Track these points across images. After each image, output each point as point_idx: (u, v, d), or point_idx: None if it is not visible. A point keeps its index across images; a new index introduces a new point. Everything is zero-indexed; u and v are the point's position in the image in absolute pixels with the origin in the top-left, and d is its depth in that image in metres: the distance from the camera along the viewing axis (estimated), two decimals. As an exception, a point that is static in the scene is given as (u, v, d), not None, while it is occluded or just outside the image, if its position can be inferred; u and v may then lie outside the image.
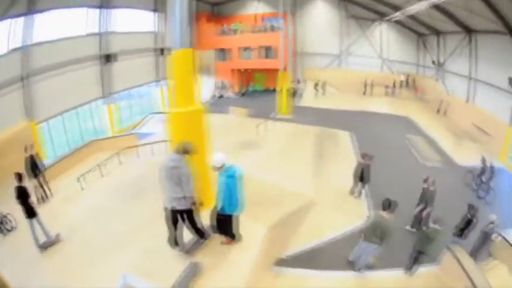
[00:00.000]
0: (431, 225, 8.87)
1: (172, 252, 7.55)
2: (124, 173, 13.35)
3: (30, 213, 8.93)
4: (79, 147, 16.02)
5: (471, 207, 10.17)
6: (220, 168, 6.98)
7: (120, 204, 10.61)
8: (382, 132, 23.34)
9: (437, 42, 31.23)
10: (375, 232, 8.38)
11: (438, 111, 29.50)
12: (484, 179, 14.97)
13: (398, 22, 34.61)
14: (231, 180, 6.96)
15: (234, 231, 7.92)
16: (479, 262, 9.81)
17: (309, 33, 37.70)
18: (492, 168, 14.76)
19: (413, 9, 24.29)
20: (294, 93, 31.07)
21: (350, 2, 35.60)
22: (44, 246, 9.02)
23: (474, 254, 10.06)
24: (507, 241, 10.23)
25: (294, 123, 23.52)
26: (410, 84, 35.98)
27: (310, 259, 9.64)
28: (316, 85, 31.47)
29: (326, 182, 14.46)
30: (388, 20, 34.46)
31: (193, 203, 7.03)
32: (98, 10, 21.88)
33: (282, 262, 9.30)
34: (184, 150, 6.76)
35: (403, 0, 26.16)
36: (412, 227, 11.74)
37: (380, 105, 31.06)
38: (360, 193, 13.66)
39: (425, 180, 11.52)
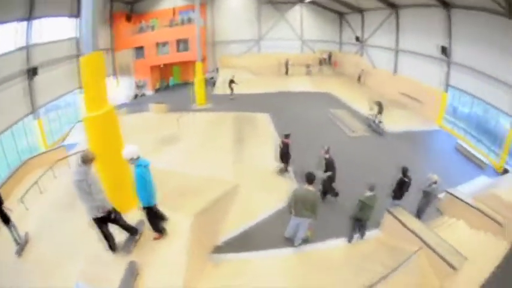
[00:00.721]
0: (367, 192, 8.76)
1: (113, 255, 7.41)
2: (59, 187, 12.72)
3: (5, 219, 8.75)
4: (16, 168, 15.24)
5: (405, 169, 10.07)
6: (133, 161, 6.98)
7: (61, 217, 10.11)
8: (305, 110, 23.48)
9: (362, 20, 32.07)
10: (304, 206, 8.37)
11: (359, 78, 31.16)
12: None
13: (316, 3, 35.14)
14: (144, 170, 7.01)
15: (161, 224, 8.00)
16: (428, 221, 10.33)
17: (226, 22, 37.14)
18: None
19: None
20: (214, 84, 31.43)
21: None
22: (19, 252, 8.58)
23: (421, 213, 10.49)
24: (456, 197, 11.05)
25: (211, 112, 23.12)
26: (332, 61, 37.17)
27: (246, 242, 9.56)
28: (230, 82, 28.81)
29: (249, 165, 14.25)
30: (307, 2, 34.89)
31: (108, 211, 6.97)
32: (25, 23, 20.34)
33: (219, 249, 9.18)
34: (85, 160, 6.58)
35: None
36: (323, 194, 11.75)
37: (301, 84, 31.34)
38: (286, 171, 13.51)
39: (326, 151, 11.44)
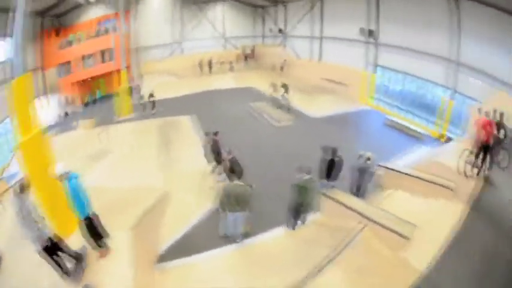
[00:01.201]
0: (305, 176, 8.51)
1: (69, 280, 7.09)
2: (8, 218, 11.90)
3: None
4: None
5: (334, 150, 9.90)
6: (65, 175, 6.88)
7: (17, 250, 9.38)
8: (229, 106, 23.34)
9: (285, 12, 32.55)
10: (237, 201, 8.26)
11: (281, 69, 31.60)
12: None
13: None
14: (75, 181, 6.92)
15: (102, 240, 7.76)
16: (367, 197, 10.37)
17: (149, 26, 36.15)
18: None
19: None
20: (140, 91, 30.00)
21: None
22: None
23: (360, 191, 10.39)
24: (394, 170, 11.30)
25: (137, 121, 22.62)
26: (255, 55, 37.61)
27: (187, 246, 9.34)
28: (150, 97, 27.95)
29: (178, 169, 14.17)
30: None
31: (49, 238, 6.72)
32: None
33: (163, 258, 8.90)
34: (21, 189, 6.42)
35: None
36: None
37: (224, 81, 31.27)
38: (217, 169, 13.27)
39: (229, 152, 11.20)
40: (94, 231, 7.48)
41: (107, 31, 32.33)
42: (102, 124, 21.90)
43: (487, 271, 8.10)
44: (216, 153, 12.68)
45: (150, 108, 24.49)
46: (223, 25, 37.39)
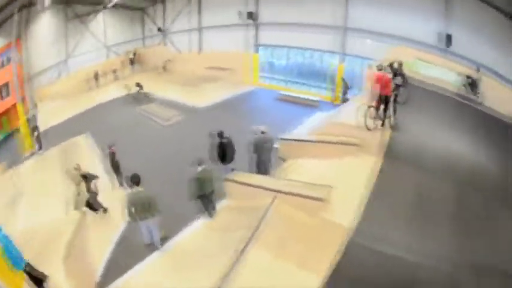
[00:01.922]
0: (198, 168, 8.61)
1: None
2: None
3: None
4: None
5: (219, 133, 10.10)
6: None
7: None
8: (119, 116, 22.62)
9: (163, 10, 32.34)
10: (143, 207, 8.13)
11: (164, 68, 31.46)
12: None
13: (117, 5, 33.61)
14: (2, 233, 6.95)
15: (42, 283, 7.50)
16: (272, 171, 10.43)
17: (38, 51, 32.93)
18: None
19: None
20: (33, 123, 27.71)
21: (67, 4, 32.94)
22: None
23: (264, 167, 10.27)
24: (293, 140, 11.67)
25: (39, 154, 20.93)
26: (139, 58, 36.77)
27: (119, 263, 8.82)
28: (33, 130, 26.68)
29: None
30: (110, 7, 33.52)
31: None
32: None
33: (103, 284, 8.36)
34: None
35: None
36: None
37: (110, 92, 30.03)
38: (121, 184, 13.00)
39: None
40: (34, 278, 7.31)
41: (3, 64, 29.15)
42: (12, 166, 20.23)
43: (415, 210, 8.85)
44: (114, 163, 12.54)
45: (37, 146, 22.43)
46: (105, 34, 35.82)
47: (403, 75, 13.05)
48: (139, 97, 23.22)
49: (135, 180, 8.06)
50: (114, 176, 12.93)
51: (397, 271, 7.29)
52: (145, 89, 26.39)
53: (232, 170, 10.00)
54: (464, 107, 14.69)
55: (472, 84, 15.42)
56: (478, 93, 15.19)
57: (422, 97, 14.15)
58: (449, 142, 12.03)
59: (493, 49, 16.01)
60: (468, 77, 15.42)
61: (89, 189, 10.84)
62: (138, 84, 23.61)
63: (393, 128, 11.58)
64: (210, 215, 9.16)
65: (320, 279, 6.67)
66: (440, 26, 16.84)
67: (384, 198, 8.81)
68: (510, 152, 12.53)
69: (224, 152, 9.93)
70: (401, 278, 7.17)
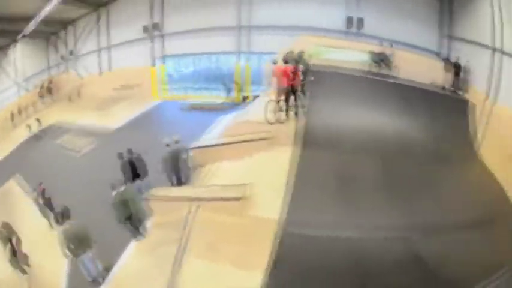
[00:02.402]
0: (115, 191, 8.60)
1: None
2: None
3: None
4: None
5: (128, 150, 10.37)
6: None
7: None
8: (37, 154, 21.37)
9: (74, 33, 30.42)
10: (80, 241, 8.04)
11: (77, 94, 29.60)
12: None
13: (27, 35, 31.13)
14: None
15: None
16: (190, 180, 10.63)
17: None
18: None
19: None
20: None
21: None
22: None
23: (181, 178, 10.48)
24: (206, 146, 11.99)
25: None
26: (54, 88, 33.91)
27: None
28: None
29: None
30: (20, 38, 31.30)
31: None
32: None
33: None
34: None
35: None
36: None
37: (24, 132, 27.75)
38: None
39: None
40: None
41: None
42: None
43: (341, 190, 9.50)
44: (47, 203, 12.25)
45: None
46: (15, 69, 32.69)
47: (305, 64, 13.48)
48: (42, 134, 22.46)
49: (65, 215, 8.07)
50: (51, 214, 12.22)
51: (335, 250, 7.66)
52: (58, 120, 25.32)
53: (148, 186, 10.14)
54: (378, 82, 15.35)
55: (384, 60, 16.36)
56: (391, 67, 16.21)
57: (332, 81, 14.61)
58: (367, 119, 12.75)
59: (405, 23, 17.41)
60: (379, 53, 16.38)
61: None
62: (38, 120, 23.12)
63: (299, 116, 12.10)
64: (141, 235, 9.11)
65: (261, 275, 6.86)
66: (350, 10, 17.96)
67: (307, 184, 9.16)
68: (432, 115, 13.52)
69: (135, 169, 10.06)
70: (341, 256, 7.57)
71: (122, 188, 8.63)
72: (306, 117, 12.18)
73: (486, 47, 13.51)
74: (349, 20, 18.02)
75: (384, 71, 16.30)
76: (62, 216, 8.08)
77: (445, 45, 17.74)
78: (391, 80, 15.60)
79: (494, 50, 13.05)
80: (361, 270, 7.38)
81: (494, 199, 10.00)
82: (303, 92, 12.61)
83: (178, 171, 10.40)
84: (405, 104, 13.91)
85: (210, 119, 15.93)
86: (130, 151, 10.16)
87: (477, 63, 14.43)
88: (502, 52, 12.62)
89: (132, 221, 8.84)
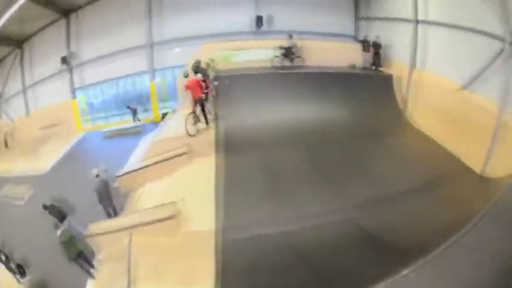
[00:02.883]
0: (58, 232, 8.63)
1: None
2: None
3: None
4: None
5: (52, 207, 10.70)
6: None
7: None
8: None
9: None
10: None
11: (5, 144, 26.34)
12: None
13: None
14: None
15: None
16: (124, 209, 10.80)
17: None
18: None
19: None
20: None
21: None
22: None
23: (111, 210, 10.63)
24: (129, 172, 11.84)
25: None
26: None
27: None
28: None
29: None
30: None
31: None
32: None
33: None
34: None
35: None
36: None
37: None
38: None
39: None
40: None
41: None
42: None
43: (270, 186, 9.91)
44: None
45: None
46: None
47: (203, 72, 13.51)
48: None
49: (21, 271, 8.27)
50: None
51: (276, 246, 7.97)
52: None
53: (76, 224, 10.12)
54: (290, 75, 15.70)
55: (296, 53, 16.83)
56: (294, 58, 16.75)
57: (244, 83, 14.77)
58: (285, 112, 13.24)
59: (318, 13, 18.28)
60: (288, 47, 16.68)
61: None
62: None
63: (216, 123, 12.50)
64: (91, 274, 9.02)
65: (211, 286, 7.11)
66: (260, 9, 18.47)
67: (235, 188, 9.59)
68: (355, 96, 14.19)
69: (60, 213, 10.42)
70: (284, 250, 7.84)
71: (62, 229, 8.69)
72: (224, 122, 12.56)
73: (408, 20, 14.12)
74: (259, 19, 18.47)
75: (298, 63, 16.77)
76: (19, 273, 8.27)
77: (363, 27, 18.73)
78: (303, 71, 16.03)
79: (417, 22, 13.73)
80: (308, 260, 7.60)
81: (437, 161, 10.53)
82: (207, 99, 12.89)
83: (111, 200, 10.54)
84: (321, 91, 14.33)
85: (133, 143, 15.90)
86: (45, 206, 10.53)
87: (400, 38, 15.20)
88: (426, 22, 13.31)
89: (80, 260, 8.84)
